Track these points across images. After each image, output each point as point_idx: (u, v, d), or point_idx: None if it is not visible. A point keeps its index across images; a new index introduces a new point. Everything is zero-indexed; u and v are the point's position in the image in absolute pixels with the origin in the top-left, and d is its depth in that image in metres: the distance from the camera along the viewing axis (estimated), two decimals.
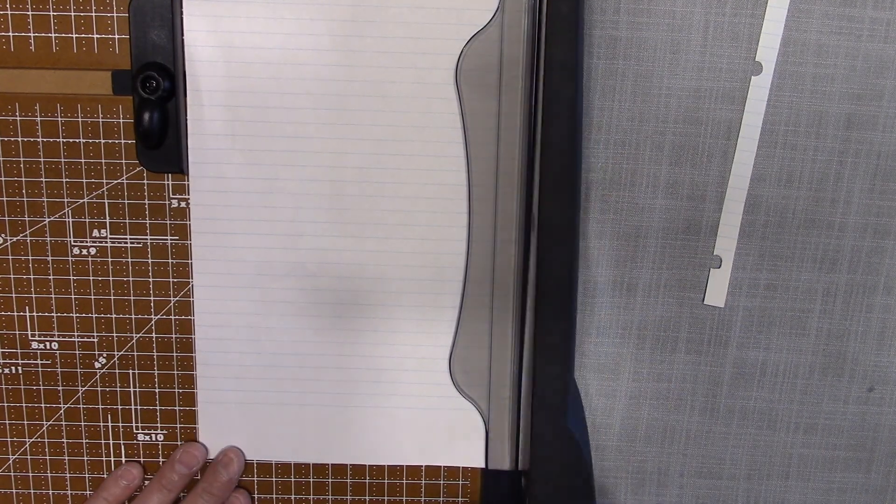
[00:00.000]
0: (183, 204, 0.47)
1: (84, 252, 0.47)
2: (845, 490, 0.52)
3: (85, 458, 0.50)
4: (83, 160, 0.46)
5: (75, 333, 0.49)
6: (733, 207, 0.48)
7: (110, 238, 0.47)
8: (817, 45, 0.47)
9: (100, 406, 0.49)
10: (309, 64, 0.45)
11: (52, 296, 0.48)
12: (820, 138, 0.48)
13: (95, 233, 0.47)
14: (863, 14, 0.46)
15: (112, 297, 0.48)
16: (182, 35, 0.45)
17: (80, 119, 0.46)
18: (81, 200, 0.47)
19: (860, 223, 0.49)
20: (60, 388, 0.49)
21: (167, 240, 0.47)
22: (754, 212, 0.48)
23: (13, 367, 0.49)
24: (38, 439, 0.50)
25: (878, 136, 0.48)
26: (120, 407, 0.49)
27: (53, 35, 0.45)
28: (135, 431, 0.50)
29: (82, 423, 0.50)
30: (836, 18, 0.46)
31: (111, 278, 0.48)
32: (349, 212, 0.47)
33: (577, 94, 0.43)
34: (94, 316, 0.48)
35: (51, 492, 0.50)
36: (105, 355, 0.49)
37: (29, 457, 0.50)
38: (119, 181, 0.47)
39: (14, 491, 0.50)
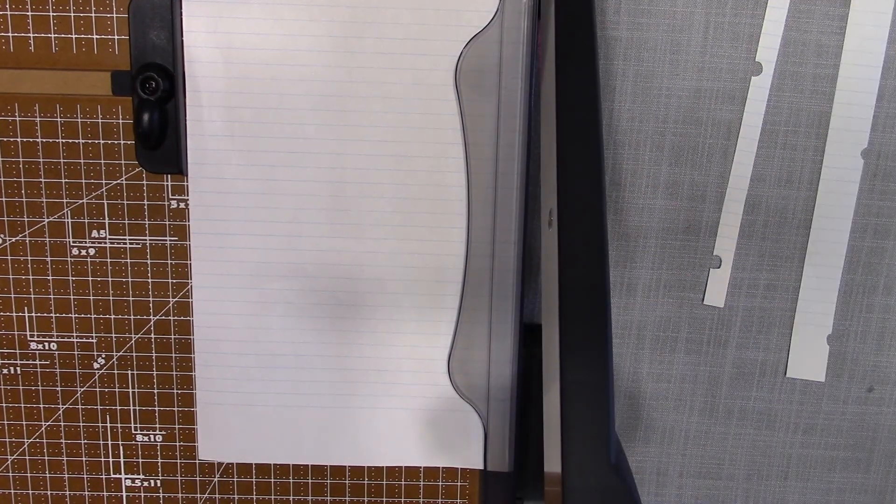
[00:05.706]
0: (182, 205, 0.47)
1: (83, 253, 0.47)
2: (844, 490, 0.52)
3: (83, 459, 0.50)
4: (82, 161, 0.46)
5: (74, 334, 0.48)
6: (733, 207, 0.48)
7: (109, 239, 0.47)
8: (817, 45, 0.46)
9: (98, 407, 0.49)
10: (308, 65, 0.45)
11: (51, 296, 0.48)
12: (820, 138, 0.47)
13: (94, 233, 0.47)
14: None
15: (111, 298, 0.48)
16: (181, 36, 0.44)
17: (79, 120, 0.46)
18: (80, 201, 0.47)
19: (860, 223, 0.49)
20: (59, 388, 0.49)
21: (166, 240, 0.47)
22: (754, 212, 0.48)
23: (12, 368, 0.49)
24: (37, 440, 0.50)
25: (878, 137, 0.47)
26: (118, 408, 0.49)
27: (53, 35, 0.45)
28: (133, 432, 0.50)
29: (81, 424, 0.50)
30: (837, 18, 0.46)
31: (110, 279, 0.48)
32: (348, 212, 0.47)
33: (596, 77, 0.38)
34: (92, 316, 0.48)
35: (49, 492, 0.50)
36: (104, 356, 0.49)
37: (27, 457, 0.50)
38: (118, 182, 0.47)
39: (12, 491, 0.50)
